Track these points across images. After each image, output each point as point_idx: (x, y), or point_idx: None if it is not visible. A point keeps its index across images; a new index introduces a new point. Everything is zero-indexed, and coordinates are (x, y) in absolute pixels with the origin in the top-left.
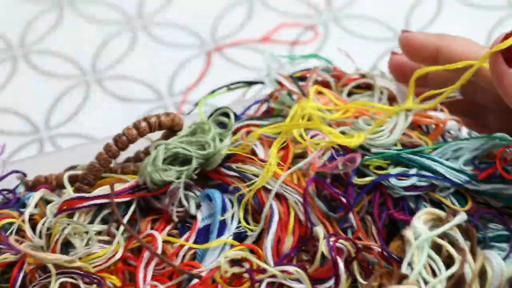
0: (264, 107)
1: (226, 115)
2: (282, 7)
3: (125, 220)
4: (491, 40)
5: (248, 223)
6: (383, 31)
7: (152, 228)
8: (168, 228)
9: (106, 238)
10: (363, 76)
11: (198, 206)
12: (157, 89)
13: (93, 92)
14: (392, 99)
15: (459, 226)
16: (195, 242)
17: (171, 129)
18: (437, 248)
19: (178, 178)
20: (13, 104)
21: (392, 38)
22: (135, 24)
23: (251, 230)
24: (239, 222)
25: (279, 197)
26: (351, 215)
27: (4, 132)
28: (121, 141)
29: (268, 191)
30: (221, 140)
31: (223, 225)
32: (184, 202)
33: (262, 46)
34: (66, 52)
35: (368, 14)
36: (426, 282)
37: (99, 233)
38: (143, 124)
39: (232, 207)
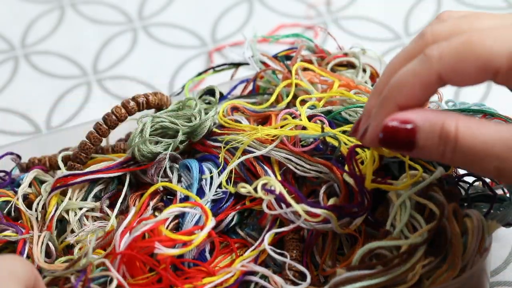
0: (250, 87)
1: (213, 95)
2: (282, 8)
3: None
4: None
5: None
6: (382, 31)
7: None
8: (154, 200)
9: (98, 214)
10: (346, 54)
11: (179, 179)
12: (157, 89)
13: (94, 92)
14: (374, 77)
15: (442, 189)
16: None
17: (159, 108)
18: (421, 210)
19: (165, 150)
20: (14, 104)
21: (392, 39)
22: (136, 25)
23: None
24: (220, 188)
25: (263, 161)
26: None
27: (6, 132)
28: (110, 120)
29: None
30: (206, 113)
31: (202, 193)
32: (169, 173)
33: (262, 47)
34: (67, 53)
35: (367, 15)
36: (407, 238)
37: (91, 209)
38: (132, 103)
39: (212, 176)
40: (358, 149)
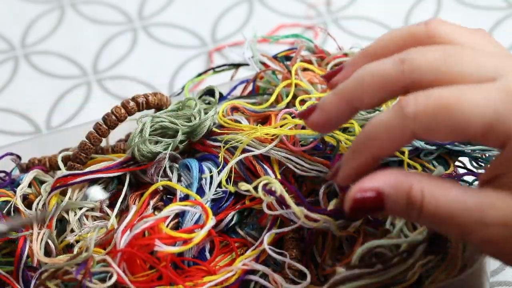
0: (250, 88)
1: (213, 95)
2: (282, 8)
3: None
4: None
5: None
6: (383, 31)
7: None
8: (154, 200)
9: (98, 214)
10: (345, 54)
11: (179, 178)
12: (157, 89)
13: (94, 92)
14: None
15: None
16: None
17: (159, 108)
18: None
19: (165, 149)
20: (14, 104)
21: None
22: (136, 25)
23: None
24: (220, 187)
25: (263, 160)
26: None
27: (6, 132)
28: (110, 120)
29: (255, 156)
30: (206, 113)
31: (202, 192)
32: (169, 173)
33: (262, 47)
34: (67, 53)
35: (367, 15)
36: (407, 237)
37: (91, 209)
38: (131, 103)
39: (212, 175)
40: None
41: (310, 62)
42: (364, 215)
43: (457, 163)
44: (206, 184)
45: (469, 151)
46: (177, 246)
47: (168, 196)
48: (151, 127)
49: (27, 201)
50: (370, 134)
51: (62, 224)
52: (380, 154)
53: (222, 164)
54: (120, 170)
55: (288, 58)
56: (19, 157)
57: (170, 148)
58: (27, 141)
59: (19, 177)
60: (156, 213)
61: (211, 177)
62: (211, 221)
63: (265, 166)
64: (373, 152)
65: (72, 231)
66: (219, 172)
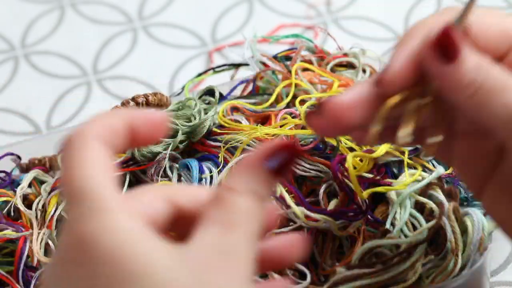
0: (250, 88)
1: (213, 95)
2: (282, 8)
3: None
4: None
5: None
6: (383, 31)
7: None
8: None
9: None
10: (345, 54)
11: (179, 178)
12: (157, 89)
13: (94, 92)
14: None
15: (442, 188)
16: None
17: (159, 108)
18: (421, 209)
19: (165, 149)
20: (14, 104)
21: (392, 39)
22: (136, 25)
23: None
24: None
25: None
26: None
27: (6, 132)
28: None
29: None
30: (206, 113)
31: None
32: (169, 173)
33: (262, 47)
34: (67, 53)
35: (367, 15)
36: (407, 237)
37: None
38: (131, 103)
39: (212, 175)
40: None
41: (310, 62)
42: (444, 49)
43: None
44: (206, 184)
45: None
46: None
47: None
48: None
49: (27, 201)
50: (422, 20)
51: (62, 224)
52: None
53: (222, 164)
54: (120, 170)
55: (288, 58)
56: (19, 157)
57: (170, 148)
58: (27, 141)
59: (19, 177)
60: None
61: (211, 177)
62: None
63: None
64: (424, 33)
65: None
66: (219, 172)
